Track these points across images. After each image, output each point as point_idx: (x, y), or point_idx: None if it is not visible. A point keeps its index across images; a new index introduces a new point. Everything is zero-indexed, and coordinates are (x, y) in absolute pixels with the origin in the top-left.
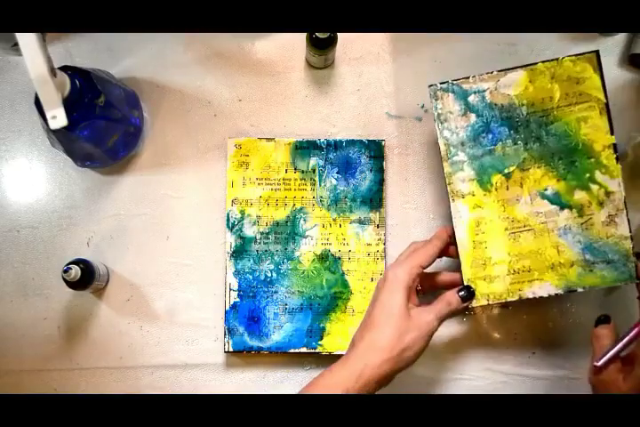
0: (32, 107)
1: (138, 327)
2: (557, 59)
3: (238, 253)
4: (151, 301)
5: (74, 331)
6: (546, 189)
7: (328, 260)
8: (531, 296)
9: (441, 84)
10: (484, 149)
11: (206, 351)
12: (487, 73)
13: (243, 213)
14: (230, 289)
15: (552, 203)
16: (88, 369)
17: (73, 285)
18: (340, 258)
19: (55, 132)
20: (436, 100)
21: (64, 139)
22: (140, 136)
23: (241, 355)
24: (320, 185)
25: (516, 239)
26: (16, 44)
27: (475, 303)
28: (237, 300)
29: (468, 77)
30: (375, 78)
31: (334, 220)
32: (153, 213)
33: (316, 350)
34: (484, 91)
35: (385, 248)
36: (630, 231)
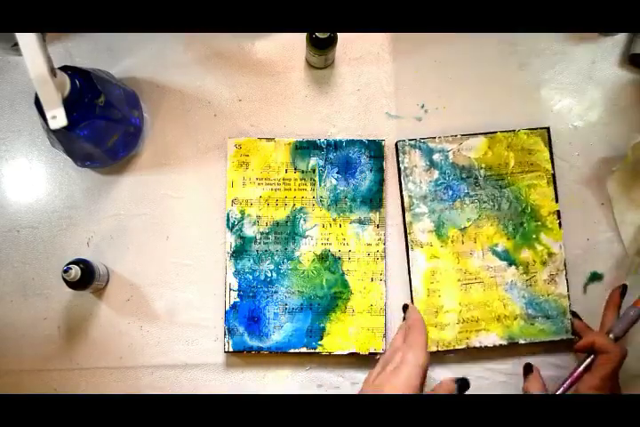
0: (32, 107)
1: (138, 327)
2: (514, 130)
3: (238, 253)
4: (151, 301)
5: (74, 331)
6: (496, 246)
7: (328, 260)
8: (477, 345)
9: (409, 140)
10: (444, 203)
11: (206, 351)
12: (452, 135)
13: (243, 213)
14: (230, 289)
15: (501, 259)
16: (88, 369)
17: (73, 285)
18: (339, 258)
19: (55, 132)
20: (404, 154)
21: (64, 139)
22: (140, 136)
23: (241, 355)
24: (320, 185)
25: (467, 290)
26: (16, 44)
27: None
28: (237, 300)
29: (435, 138)
30: (375, 78)
31: (334, 220)
32: (153, 213)
33: (316, 350)
34: (448, 151)
35: (385, 248)
36: (568, 291)
